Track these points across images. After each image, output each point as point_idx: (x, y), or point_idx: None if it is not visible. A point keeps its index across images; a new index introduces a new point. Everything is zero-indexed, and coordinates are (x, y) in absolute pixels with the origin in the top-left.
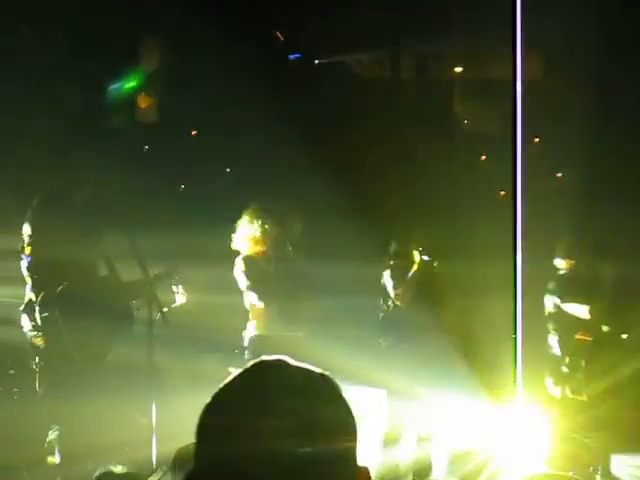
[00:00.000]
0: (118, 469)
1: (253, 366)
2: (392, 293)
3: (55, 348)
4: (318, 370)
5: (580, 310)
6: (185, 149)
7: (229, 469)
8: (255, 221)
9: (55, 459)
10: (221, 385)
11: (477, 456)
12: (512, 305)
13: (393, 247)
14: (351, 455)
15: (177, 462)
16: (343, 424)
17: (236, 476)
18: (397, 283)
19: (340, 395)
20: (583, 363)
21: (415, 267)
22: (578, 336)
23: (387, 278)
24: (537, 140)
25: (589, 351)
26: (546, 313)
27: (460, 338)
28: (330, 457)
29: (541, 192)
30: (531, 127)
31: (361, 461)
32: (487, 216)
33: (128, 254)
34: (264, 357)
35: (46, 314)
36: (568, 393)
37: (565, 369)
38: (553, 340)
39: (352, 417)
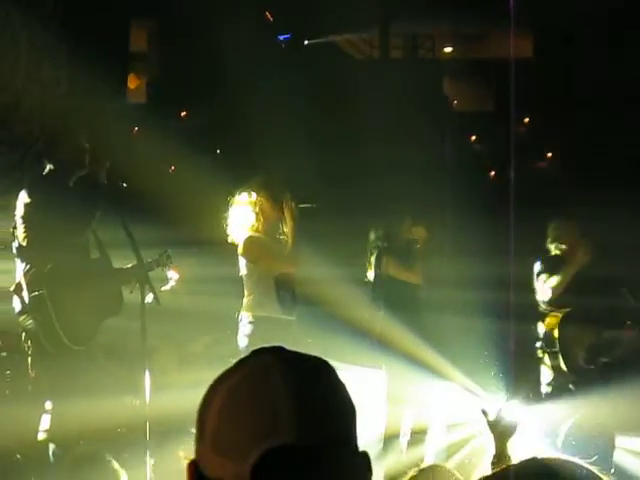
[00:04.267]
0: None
1: (254, 356)
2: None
3: (43, 329)
4: (314, 355)
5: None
6: (174, 130)
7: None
8: (249, 198)
9: (48, 442)
10: (224, 372)
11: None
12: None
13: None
14: (353, 438)
15: None
16: (343, 408)
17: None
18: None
19: (338, 379)
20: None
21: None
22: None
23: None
24: (527, 120)
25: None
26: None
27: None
28: (333, 441)
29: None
30: (523, 107)
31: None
32: (477, 192)
33: (121, 238)
34: (261, 346)
35: (34, 294)
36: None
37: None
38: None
39: (351, 401)
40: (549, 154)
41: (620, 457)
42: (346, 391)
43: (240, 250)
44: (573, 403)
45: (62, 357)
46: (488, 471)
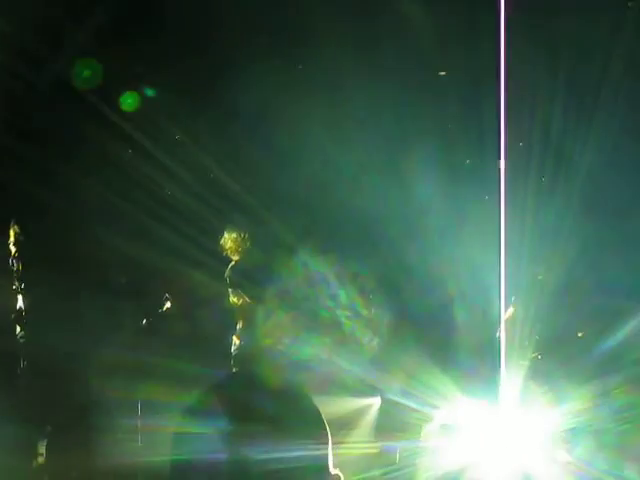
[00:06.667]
0: None
1: (227, 380)
2: None
3: None
4: (290, 380)
5: None
6: None
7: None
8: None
9: None
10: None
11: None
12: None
13: None
14: (323, 461)
15: None
16: (314, 431)
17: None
18: None
19: (312, 403)
20: None
21: None
22: None
23: None
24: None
25: None
26: None
27: None
28: (302, 461)
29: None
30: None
31: (334, 468)
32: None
33: None
34: (235, 371)
35: None
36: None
37: None
38: None
39: (324, 425)
40: None
41: None
42: (309, 415)
43: None
44: None
45: None
46: None
